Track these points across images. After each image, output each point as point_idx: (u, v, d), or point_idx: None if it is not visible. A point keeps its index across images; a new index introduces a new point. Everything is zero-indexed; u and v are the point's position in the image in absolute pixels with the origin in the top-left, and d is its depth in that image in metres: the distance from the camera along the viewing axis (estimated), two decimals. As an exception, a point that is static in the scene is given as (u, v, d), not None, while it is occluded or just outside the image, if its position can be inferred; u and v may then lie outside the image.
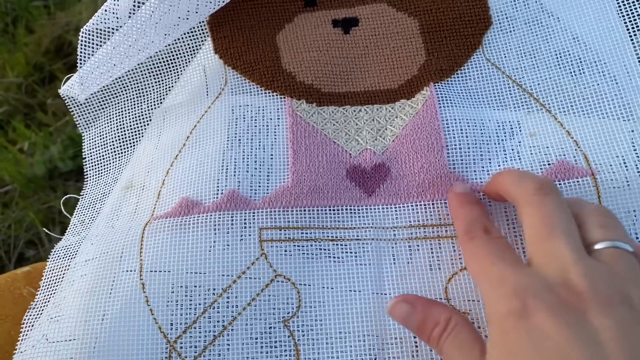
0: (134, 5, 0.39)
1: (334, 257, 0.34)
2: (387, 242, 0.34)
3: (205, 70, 0.42)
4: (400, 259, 0.33)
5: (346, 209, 0.35)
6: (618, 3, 0.40)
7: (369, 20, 0.42)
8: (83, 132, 0.44)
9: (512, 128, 0.37)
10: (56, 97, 1.07)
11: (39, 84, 1.11)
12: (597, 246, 0.26)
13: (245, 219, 0.34)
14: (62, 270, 0.37)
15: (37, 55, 1.12)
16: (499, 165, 0.35)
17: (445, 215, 0.34)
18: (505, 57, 0.41)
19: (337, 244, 0.34)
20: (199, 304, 0.32)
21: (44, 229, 0.84)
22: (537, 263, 0.26)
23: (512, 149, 0.36)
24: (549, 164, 0.35)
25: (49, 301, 0.36)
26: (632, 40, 0.39)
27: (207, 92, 0.41)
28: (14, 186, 1.01)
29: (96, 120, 0.44)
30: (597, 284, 0.24)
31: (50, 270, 0.37)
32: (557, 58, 0.40)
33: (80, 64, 0.41)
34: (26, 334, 0.35)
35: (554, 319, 0.23)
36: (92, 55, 0.40)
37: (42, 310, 0.35)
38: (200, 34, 0.43)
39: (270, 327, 0.32)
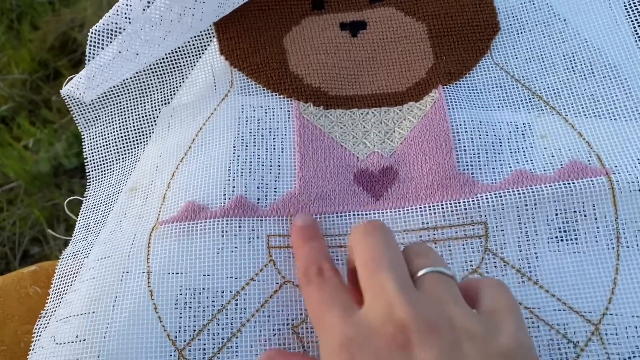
0: (145, 8, 0.39)
1: (342, 264, 0.34)
2: None
3: (214, 72, 0.42)
4: None
5: (353, 215, 0.35)
6: (626, 8, 0.40)
7: (377, 24, 0.42)
8: (83, 132, 0.43)
9: (523, 130, 0.37)
10: (61, 94, 1.06)
11: (44, 81, 1.11)
12: (419, 273, 0.27)
13: (252, 226, 0.34)
14: (71, 277, 0.37)
15: (42, 51, 1.12)
16: (511, 168, 0.35)
17: (454, 216, 0.34)
18: (514, 61, 0.40)
19: (344, 250, 0.34)
20: (208, 309, 0.32)
21: (49, 230, 0.85)
22: (367, 300, 0.26)
23: (524, 151, 0.36)
24: (561, 165, 0.35)
25: (59, 305, 0.36)
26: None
27: (215, 94, 0.41)
28: (19, 183, 1.01)
29: (97, 120, 0.44)
30: (421, 311, 0.25)
31: (59, 277, 0.38)
32: (567, 61, 0.40)
33: (88, 64, 0.40)
34: (38, 337, 0.35)
35: None
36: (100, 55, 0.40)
37: (52, 314, 0.35)
38: (205, 34, 0.43)
39: (279, 333, 0.32)
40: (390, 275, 0.26)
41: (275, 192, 0.36)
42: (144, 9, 0.39)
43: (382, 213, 0.35)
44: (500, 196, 0.34)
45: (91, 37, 0.40)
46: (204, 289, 0.33)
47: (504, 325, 0.26)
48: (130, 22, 0.39)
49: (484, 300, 0.27)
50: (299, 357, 0.30)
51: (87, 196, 0.42)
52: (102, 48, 0.40)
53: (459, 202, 0.34)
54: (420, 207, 0.34)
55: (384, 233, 0.28)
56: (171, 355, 0.31)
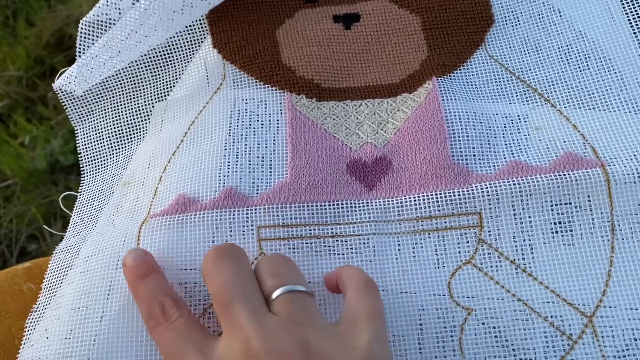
0: (134, -1, 0.39)
1: (334, 254, 0.33)
2: (390, 236, 0.33)
3: (206, 65, 0.42)
4: (403, 253, 0.33)
5: (346, 204, 0.34)
6: (621, 0, 0.40)
7: (370, 17, 0.42)
8: (76, 127, 0.43)
9: (518, 122, 0.37)
10: (57, 91, 1.06)
11: (40, 78, 1.10)
12: (273, 296, 0.27)
13: (243, 217, 0.34)
14: (64, 271, 0.37)
15: (37, 48, 1.12)
16: (506, 159, 0.35)
17: (449, 206, 0.34)
18: (508, 53, 0.40)
19: (337, 240, 0.34)
20: (199, 303, 0.32)
21: (45, 226, 0.84)
22: (224, 337, 0.26)
23: (519, 143, 0.36)
24: (556, 156, 0.35)
25: (51, 300, 0.36)
26: (636, 36, 0.39)
27: (208, 87, 0.41)
28: (15, 180, 1.01)
29: (90, 114, 0.43)
30: (275, 344, 0.24)
31: (51, 272, 0.37)
32: (562, 54, 0.40)
33: (79, 56, 0.40)
34: (30, 333, 0.35)
35: None
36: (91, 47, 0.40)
37: (45, 309, 0.35)
38: (198, 28, 0.43)
39: None
40: (243, 308, 0.26)
41: (267, 183, 0.36)
42: (134, 0, 0.39)
43: (375, 203, 0.34)
44: (495, 186, 0.33)
45: (81, 28, 0.40)
46: (194, 283, 0.32)
47: (359, 338, 0.26)
48: (120, 13, 0.39)
49: (348, 304, 0.27)
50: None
51: (81, 191, 0.42)
52: (93, 40, 0.40)
53: (453, 192, 0.34)
54: (414, 197, 0.34)
55: (233, 258, 0.28)
56: None
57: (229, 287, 0.27)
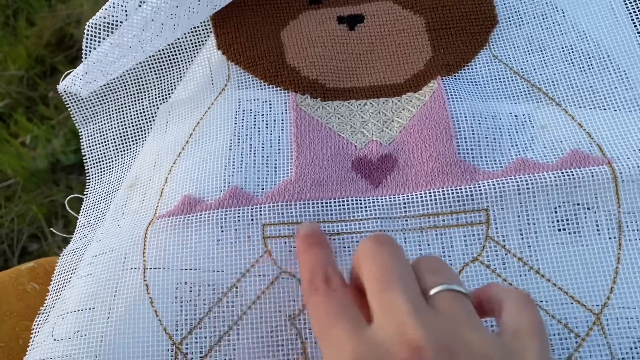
0: (141, 1, 0.39)
1: (340, 252, 0.33)
2: (396, 233, 0.33)
3: (211, 66, 0.42)
4: (410, 250, 0.33)
5: (351, 201, 0.34)
6: (624, 0, 0.40)
7: (374, 17, 0.42)
8: (80, 129, 0.43)
9: (523, 121, 0.37)
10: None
11: (41, 77, 1.10)
12: (432, 291, 0.26)
13: (248, 216, 0.34)
14: (70, 273, 0.37)
15: (38, 48, 1.12)
16: (512, 157, 0.35)
17: (455, 203, 0.33)
18: (512, 54, 0.40)
19: (341, 238, 0.33)
20: (204, 303, 0.32)
21: (50, 228, 0.84)
22: (377, 319, 0.25)
23: (525, 141, 0.36)
24: (562, 154, 0.35)
25: (57, 302, 0.36)
26: (639, 34, 0.39)
27: (212, 88, 0.41)
28: (17, 180, 1.01)
29: (95, 117, 0.43)
30: (436, 334, 0.23)
31: (58, 274, 0.37)
32: (566, 54, 0.40)
33: (85, 58, 0.40)
34: (37, 333, 0.35)
35: None
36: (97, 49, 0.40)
37: (51, 311, 0.35)
38: (202, 30, 0.43)
39: (276, 325, 0.32)
40: (401, 293, 0.25)
41: (272, 183, 0.35)
42: (140, 2, 0.39)
43: (382, 200, 0.34)
44: (502, 183, 0.33)
45: (87, 30, 0.40)
46: (200, 282, 0.32)
47: (526, 352, 0.24)
48: (126, 15, 0.39)
49: (507, 318, 0.25)
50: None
51: (87, 194, 0.42)
52: (99, 42, 0.40)
53: (460, 189, 0.34)
54: (421, 194, 0.34)
55: (393, 247, 0.27)
56: (168, 350, 0.31)
57: (389, 272, 0.26)
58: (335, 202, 0.34)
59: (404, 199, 0.34)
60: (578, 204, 0.33)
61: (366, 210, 0.34)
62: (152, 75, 0.43)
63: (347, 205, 0.34)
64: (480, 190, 0.33)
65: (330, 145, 0.37)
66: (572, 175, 0.33)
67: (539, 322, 0.25)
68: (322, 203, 0.34)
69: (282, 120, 0.38)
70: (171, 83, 0.43)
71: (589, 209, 0.33)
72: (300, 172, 0.36)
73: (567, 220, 0.33)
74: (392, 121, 0.38)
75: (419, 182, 0.35)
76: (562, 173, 0.33)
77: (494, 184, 0.33)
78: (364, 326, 0.25)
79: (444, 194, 0.34)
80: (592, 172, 0.33)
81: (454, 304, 0.25)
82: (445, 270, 0.27)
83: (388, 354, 0.23)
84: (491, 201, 0.33)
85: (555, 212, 0.33)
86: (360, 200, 0.34)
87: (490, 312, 0.26)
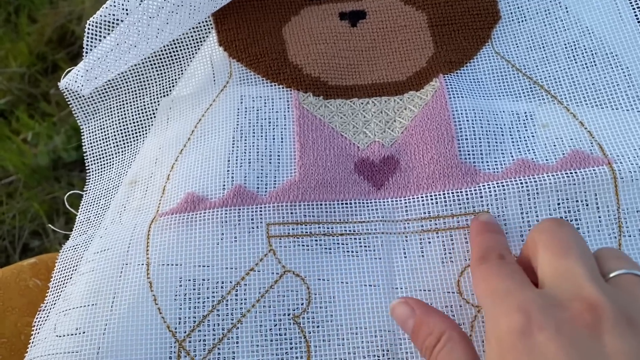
0: (142, -1, 0.39)
1: (344, 252, 0.33)
2: (398, 236, 0.34)
3: (212, 63, 0.42)
4: (411, 252, 0.33)
5: (354, 203, 0.35)
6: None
7: (376, 13, 0.42)
8: (82, 125, 0.43)
9: (524, 119, 0.37)
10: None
11: (42, 74, 1.10)
12: (613, 274, 0.24)
13: (252, 215, 0.34)
14: (71, 269, 0.37)
15: (39, 44, 1.12)
16: (513, 157, 0.35)
17: (456, 206, 0.34)
18: (514, 50, 0.40)
19: (346, 238, 0.34)
20: (208, 300, 0.32)
21: (49, 225, 0.85)
22: (550, 281, 0.24)
23: (526, 140, 0.36)
24: (563, 154, 0.35)
25: (59, 298, 0.36)
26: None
27: (214, 85, 0.41)
28: (18, 177, 1.01)
29: (96, 113, 0.43)
30: (616, 301, 0.22)
31: (59, 270, 0.37)
32: (568, 50, 0.39)
33: (86, 56, 0.40)
34: (38, 330, 0.35)
35: (560, 339, 0.21)
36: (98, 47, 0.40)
37: (53, 307, 0.35)
38: (204, 26, 0.43)
39: (280, 324, 0.32)
40: (580, 262, 0.23)
41: (275, 181, 0.36)
42: (140, 0, 0.39)
43: (384, 202, 0.35)
44: (502, 185, 0.33)
45: (88, 29, 0.40)
46: (203, 280, 0.32)
47: None
48: (127, 13, 0.39)
49: None
50: (439, 316, 0.28)
51: (87, 190, 0.42)
52: (100, 40, 0.40)
53: (461, 192, 0.34)
54: (422, 197, 0.34)
55: (575, 230, 0.26)
56: (171, 347, 0.31)
57: (569, 244, 0.25)
58: (338, 204, 0.35)
59: (405, 202, 0.34)
60: (578, 204, 0.33)
61: (368, 213, 0.34)
62: (153, 72, 0.43)
63: (350, 207, 0.35)
64: (480, 192, 0.33)
65: (333, 146, 0.37)
66: (572, 176, 0.33)
67: None
68: (325, 204, 0.34)
69: (285, 118, 0.38)
70: (172, 80, 0.43)
71: (589, 209, 0.33)
72: (304, 172, 0.36)
73: (567, 220, 0.33)
74: (394, 121, 0.38)
75: (421, 184, 0.35)
76: (562, 174, 0.33)
77: (494, 186, 0.33)
78: (532, 287, 0.24)
79: (445, 197, 0.34)
80: (592, 173, 0.33)
81: (636, 286, 0.24)
82: (629, 259, 0.26)
83: (560, 305, 0.22)
84: (491, 203, 0.33)
85: (555, 213, 0.33)
86: (362, 202, 0.35)
87: None
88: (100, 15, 0.39)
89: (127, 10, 0.39)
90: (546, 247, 0.25)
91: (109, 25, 0.40)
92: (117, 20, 0.39)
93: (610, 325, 0.21)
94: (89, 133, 0.43)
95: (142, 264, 0.33)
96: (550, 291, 0.23)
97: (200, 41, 0.43)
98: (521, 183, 0.33)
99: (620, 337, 0.21)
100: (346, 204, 0.35)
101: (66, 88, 0.42)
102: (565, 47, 0.40)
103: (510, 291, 0.24)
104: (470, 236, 0.32)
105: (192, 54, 0.43)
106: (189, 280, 0.32)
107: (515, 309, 0.23)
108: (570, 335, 0.21)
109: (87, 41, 0.40)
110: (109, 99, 0.43)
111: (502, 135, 0.36)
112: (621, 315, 0.21)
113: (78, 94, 0.43)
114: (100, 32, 0.40)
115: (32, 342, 0.34)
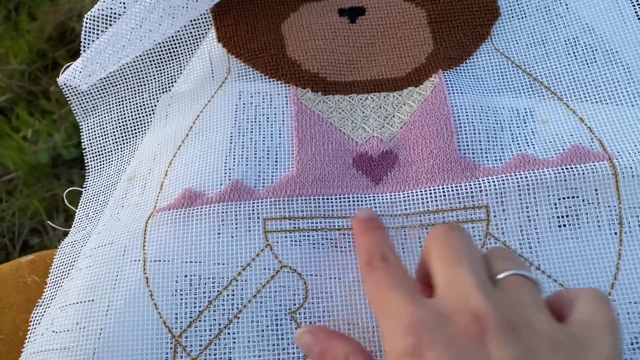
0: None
1: (341, 247, 0.33)
2: (396, 230, 0.33)
3: (211, 59, 0.42)
4: (410, 246, 0.33)
5: (352, 198, 0.34)
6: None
7: (375, 10, 0.42)
8: (81, 122, 0.43)
9: (524, 115, 0.37)
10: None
11: (42, 71, 1.10)
12: (500, 276, 0.25)
13: (249, 210, 0.34)
14: (69, 265, 0.37)
15: (40, 42, 1.12)
16: (513, 152, 0.35)
17: (455, 200, 0.33)
18: (514, 47, 0.40)
19: (343, 234, 0.34)
20: (204, 296, 0.32)
21: (48, 222, 0.85)
22: (441, 291, 0.25)
23: (525, 136, 0.36)
24: (563, 150, 0.34)
25: (56, 294, 0.36)
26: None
27: (212, 81, 0.41)
28: (18, 174, 1.01)
29: (95, 110, 0.43)
30: (500, 309, 0.23)
31: (57, 266, 0.37)
32: (568, 47, 0.39)
33: (84, 50, 0.40)
34: (35, 326, 0.35)
35: (448, 355, 0.22)
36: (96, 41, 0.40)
37: (50, 303, 0.35)
38: (203, 22, 0.43)
39: (276, 319, 0.32)
40: (469, 269, 0.24)
41: (273, 177, 0.35)
42: None
43: (382, 197, 0.34)
44: (502, 180, 0.33)
45: (86, 23, 0.40)
46: (200, 275, 0.32)
47: (596, 342, 0.23)
48: (124, 7, 0.39)
49: (577, 311, 0.24)
50: (341, 339, 0.28)
51: (86, 186, 0.42)
52: (98, 34, 0.40)
53: (460, 186, 0.34)
54: (421, 191, 0.34)
55: (464, 233, 0.27)
56: (168, 342, 0.31)
57: (459, 249, 0.26)
58: (336, 198, 0.34)
59: (404, 196, 0.34)
60: (578, 200, 0.33)
61: (367, 207, 0.34)
62: (152, 68, 0.43)
63: (348, 201, 0.34)
64: (480, 187, 0.33)
65: (332, 141, 0.37)
66: (572, 171, 0.33)
67: (614, 319, 0.24)
68: (323, 199, 0.34)
69: (283, 113, 0.38)
70: (171, 76, 0.43)
71: (589, 204, 0.33)
72: (302, 167, 0.35)
73: (567, 216, 0.33)
74: (393, 116, 0.37)
75: (420, 179, 0.35)
76: (563, 169, 0.33)
77: (494, 181, 0.33)
78: (423, 298, 0.25)
79: (444, 191, 0.34)
80: (593, 168, 0.33)
81: (521, 287, 0.25)
82: (516, 259, 0.27)
83: (447, 320, 0.23)
84: (491, 198, 0.33)
85: (556, 208, 0.33)
86: (361, 197, 0.34)
87: (561, 318, 0.25)
88: (98, 10, 0.39)
89: (124, 4, 0.38)
90: (437, 255, 0.26)
91: (106, 20, 0.40)
92: (115, 14, 0.39)
93: (495, 334, 0.22)
94: (88, 130, 0.43)
95: (139, 260, 0.33)
96: (441, 302, 0.24)
97: (200, 38, 0.43)
98: (521, 177, 0.33)
99: (505, 344, 0.22)
100: (344, 198, 0.34)
101: (65, 84, 0.42)
102: (565, 44, 0.39)
103: (398, 307, 0.25)
104: (355, 237, 0.32)
105: (192, 50, 0.43)
106: (186, 275, 0.32)
107: (407, 331, 0.23)
108: (458, 350, 0.22)
109: (85, 36, 0.40)
110: (108, 95, 0.43)
111: (502, 130, 0.36)
112: (505, 322, 0.22)
113: (77, 91, 0.43)
114: (97, 26, 0.40)
115: (29, 338, 0.34)
